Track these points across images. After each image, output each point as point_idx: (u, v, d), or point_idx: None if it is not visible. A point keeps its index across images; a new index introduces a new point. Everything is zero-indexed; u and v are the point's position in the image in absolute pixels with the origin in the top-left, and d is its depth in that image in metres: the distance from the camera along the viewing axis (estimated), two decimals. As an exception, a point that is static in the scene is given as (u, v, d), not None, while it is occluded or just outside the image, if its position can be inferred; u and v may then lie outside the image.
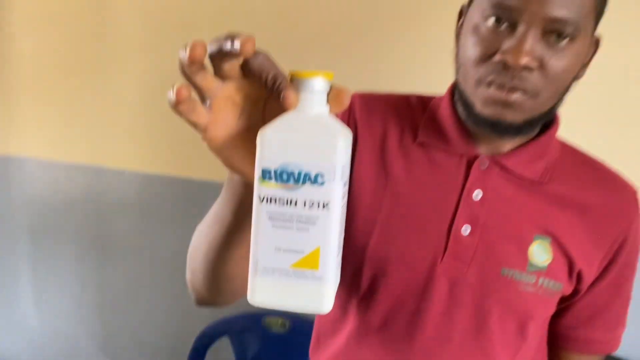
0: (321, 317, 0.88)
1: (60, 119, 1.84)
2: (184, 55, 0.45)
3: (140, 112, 1.76)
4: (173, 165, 1.76)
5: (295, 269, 0.48)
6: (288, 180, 0.47)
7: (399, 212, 0.75)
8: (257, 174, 0.47)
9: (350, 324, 0.81)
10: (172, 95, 0.46)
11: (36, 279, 2.01)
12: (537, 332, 0.79)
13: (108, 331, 1.95)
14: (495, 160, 0.74)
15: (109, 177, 1.82)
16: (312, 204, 0.47)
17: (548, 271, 0.73)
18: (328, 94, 0.49)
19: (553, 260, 0.73)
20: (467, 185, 0.74)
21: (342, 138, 0.47)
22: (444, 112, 0.76)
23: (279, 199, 0.47)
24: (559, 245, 0.74)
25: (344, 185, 0.49)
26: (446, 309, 0.74)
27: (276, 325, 1.65)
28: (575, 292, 0.78)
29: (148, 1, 1.69)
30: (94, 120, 1.80)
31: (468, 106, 0.70)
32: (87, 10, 1.75)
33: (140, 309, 1.89)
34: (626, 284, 0.80)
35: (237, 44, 0.44)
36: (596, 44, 0.71)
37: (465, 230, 0.73)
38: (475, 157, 0.75)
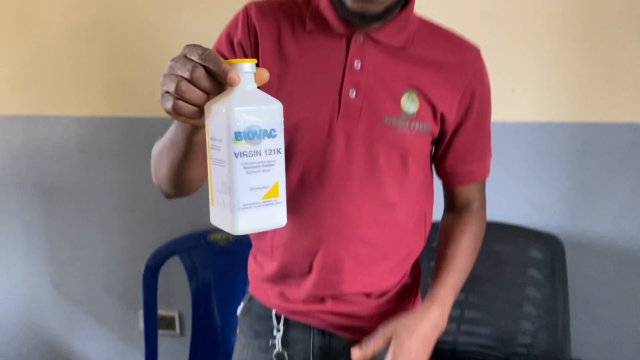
0: None
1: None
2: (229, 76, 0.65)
3: (68, 58, 1.85)
4: (107, 106, 1.87)
5: (265, 199, 0.67)
6: (253, 137, 0.65)
7: (299, 89, 0.94)
8: (230, 137, 0.64)
9: None
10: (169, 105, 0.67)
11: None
12: (418, 168, 0.99)
13: (60, 272, 2.07)
14: (368, 36, 0.93)
15: (47, 125, 1.91)
16: (271, 151, 0.66)
17: (417, 116, 0.94)
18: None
19: (420, 107, 0.94)
20: (349, 58, 0.93)
21: (279, 103, 0.68)
22: (324, 5, 0.95)
23: (249, 152, 0.65)
24: (423, 96, 0.94)
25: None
26: (345, 156, 0.94)
27: (221, 240, 1.82)
28: (444, 133, 1.00)
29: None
30: (25, 71, 1.88)
31: (341, 2, 0.90)
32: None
33: (90, 245, 2.02)
34: (485, 122, 1.03)
35: (230, 78, 0.64)
36: None
37: (352, 93, 0.93)
38: (352, 35, 0.94)
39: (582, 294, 1.64)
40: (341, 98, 0.93)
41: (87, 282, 2.07)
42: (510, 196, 1.68)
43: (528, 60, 1.62)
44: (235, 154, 0.64)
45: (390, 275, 1.03)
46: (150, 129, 1.45)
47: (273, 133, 0.66)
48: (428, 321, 0.95)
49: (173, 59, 0.68)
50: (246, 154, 0.65)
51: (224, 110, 0.64)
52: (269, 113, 0.66)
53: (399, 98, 0.94)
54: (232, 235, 1.84)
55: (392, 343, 0.91)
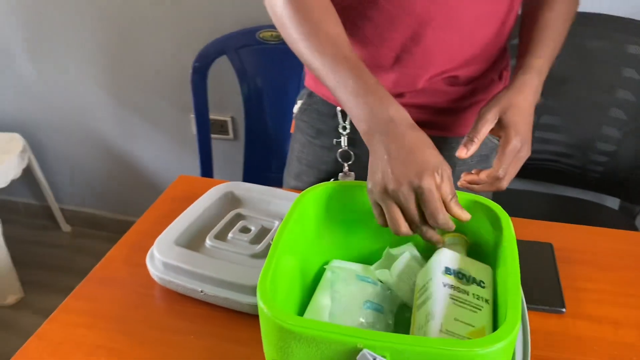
0: None
1: None
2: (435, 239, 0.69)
3: None
4: None
5: (469, 336, 0.62)
6: (461, 278, 0.66)
7: None
8: (440, 269, 0.66)
9: None
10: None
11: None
12: None
13: (107, 74, 2.00)
14: None
15: None
16: (479, 297, 0.65)
17: None
18: None
19: None
20: None
21: (488, 268, 0.69)
22: None
23: (455, 287, 0.65)
24: None
25: None
26: None
27: (271, 37, 1.66)
28: None
29: None
30: None
31: None
32: None
33: (133, 45, 1.90)
34: None
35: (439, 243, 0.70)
36: None
37: None
38: None
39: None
40: None
41: (135, 86, 1.99)
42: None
43: None
44: (443, 283, 0.65)
45: (479, 61, 0.91)
46: None
47: (482, 284, 0.66)
48: (532, 93, 0.80)
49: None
50: (453, 288, 0.65)
51: (429, 267, 0.69)
52: (480, 269, 0.68)
53: None
54: (283, 33, 1.67)
55: (506, 125, 0.76)
